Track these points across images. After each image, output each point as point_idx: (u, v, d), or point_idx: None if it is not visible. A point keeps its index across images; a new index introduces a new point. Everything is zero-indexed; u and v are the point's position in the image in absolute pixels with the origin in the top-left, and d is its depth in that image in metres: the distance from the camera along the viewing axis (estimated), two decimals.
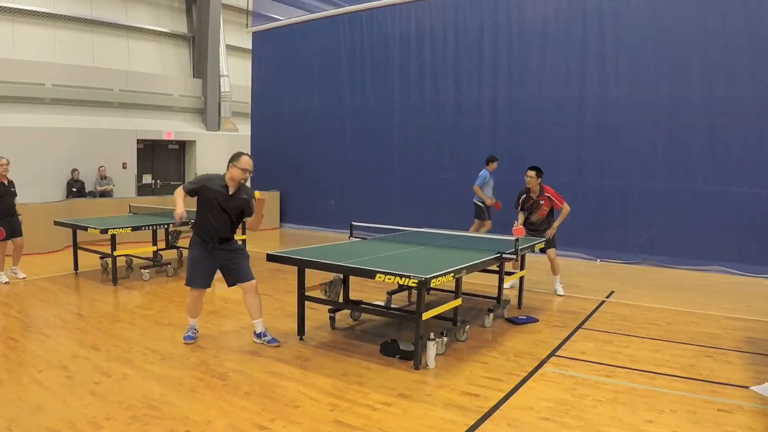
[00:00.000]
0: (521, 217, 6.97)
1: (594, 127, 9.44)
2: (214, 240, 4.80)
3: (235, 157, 4.78)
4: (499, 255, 5.37)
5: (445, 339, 4.83)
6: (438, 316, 4.87)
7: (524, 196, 6.98)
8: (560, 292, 7.07)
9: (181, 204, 4.72)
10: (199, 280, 4.86)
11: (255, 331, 5.02)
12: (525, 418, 3.62)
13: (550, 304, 6.70)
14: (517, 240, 5.62)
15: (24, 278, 7.50)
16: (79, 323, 5.63)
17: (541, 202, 6.85)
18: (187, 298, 5.00)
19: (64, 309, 6.20)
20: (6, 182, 7.28)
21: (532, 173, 6.84)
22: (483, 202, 9.14)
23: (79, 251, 8.10)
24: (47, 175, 12.51)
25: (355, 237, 6.55)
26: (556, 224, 6.88)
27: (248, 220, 4.91)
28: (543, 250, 6.85)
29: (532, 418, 3.62)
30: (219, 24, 16.38)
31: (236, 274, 4.89)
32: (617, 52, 9.13)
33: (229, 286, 4.99)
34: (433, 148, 11.26)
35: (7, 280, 7.34)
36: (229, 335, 5.31)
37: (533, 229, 6.94)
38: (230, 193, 4.77)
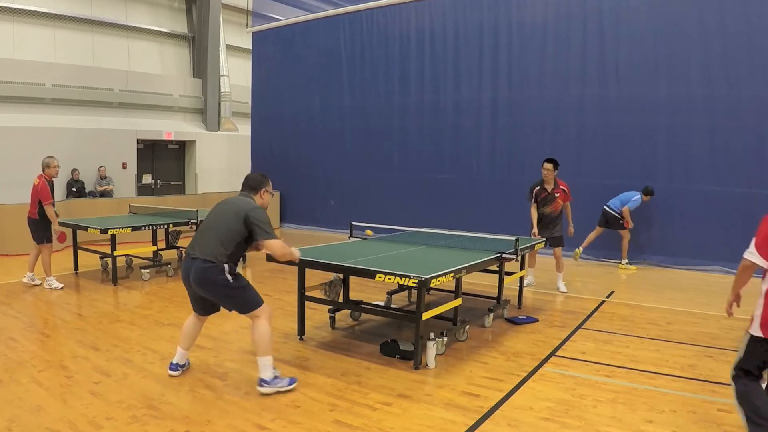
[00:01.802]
0: (534, 212, 6.93)
1: (594, 127, 9.44)
2: None
3: (267, 181, 4.22)
4: (499, 255, 5.38)
5: (445, 339, 4.83)
6: (438, 316, 4.87)
7: (538, 188, 6.91)
8: (563, 289, 7.09)
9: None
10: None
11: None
12: (525, 418, 3.62)
13: (550, 304, 6.70)
14: (517, 240, 5.62)
15: (39, 284, 7.18)
16: (79, 323, 5.63)
17: (556, 194, 6.83)
18: (263, 322, 3.96)
19: (64, 309, 6.20)
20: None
21: (549, 165, 6.78)
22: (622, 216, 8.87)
23: (79, 251, 8.10)
24: None
25: (355, 237, 6.55)
26: (571, 224, 6.96)
27: None
28: (552, 246, 6.95)
29: (532, 418, 3.62)
30: (219, 24, 16.37)
31: None
32: (617, 52, 9.13)
33: (209, 314, 4.29)
34: (432, 148, 11.26)
35: (62, 285, 7.12)
36: (229, 335, 5.31)
37: (546, 221, 6.91)
38: None
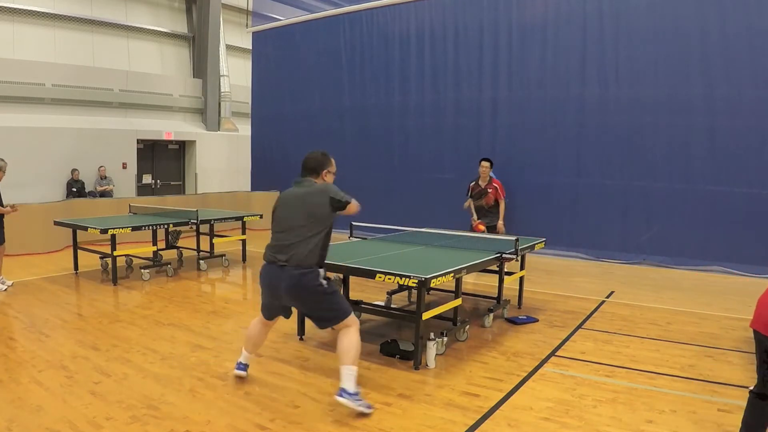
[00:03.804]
0: (470, 203, 8.10)
1: (594, 127, 9.42)
2: None
3: (329, 160, 3.95)
4: (499, 255, 5.38)
5: (445, 339, 4.83)
6: (438, 316, 4.87)
7: (473, 183, 8.12)
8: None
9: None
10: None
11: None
12: (525, 418, 3.62)
13: (550, 304, 6.70)
14: (517, 240, 5.62)
15: (11, 285, 7.04)
16: (79, 323, 5.63)
17: (489, 190, 7.88)
18: (354, 330, 3.78)
19: (64, 309, 6.20)
20: None
21: (486, 164, 7.93)
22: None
23: (79, 251, 8.09)
24: (47, 175, 12.52)
25: (355, 237, 6.55)
26: (501, 220, 7.84)
27: None
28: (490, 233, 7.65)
29: (532, 418, 3.62)
30: (219, 24, 16.38)
31: None
32: (617, 52, 9.11)
33: (289, 315, 4.16)
34: (433, 148, 11.25)
35: (11, 282, 7.11)
36: (229, 335, 5.31)
37: (482, 212, 7.97)
38: None
